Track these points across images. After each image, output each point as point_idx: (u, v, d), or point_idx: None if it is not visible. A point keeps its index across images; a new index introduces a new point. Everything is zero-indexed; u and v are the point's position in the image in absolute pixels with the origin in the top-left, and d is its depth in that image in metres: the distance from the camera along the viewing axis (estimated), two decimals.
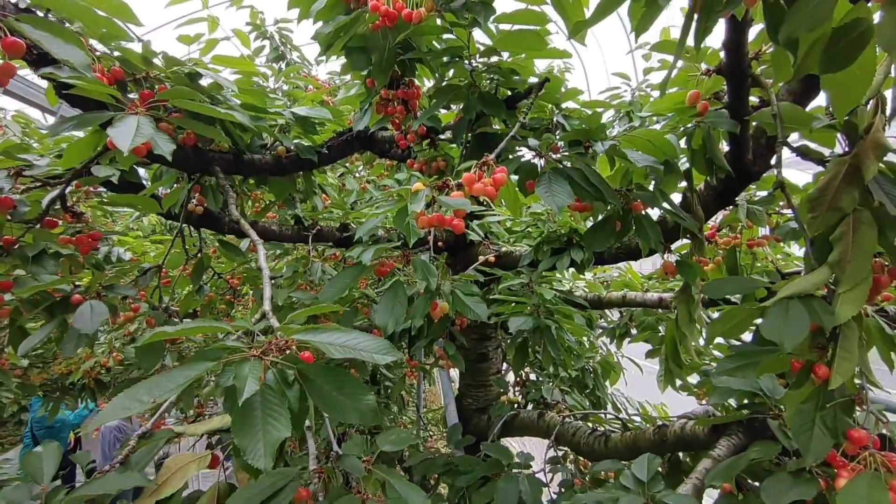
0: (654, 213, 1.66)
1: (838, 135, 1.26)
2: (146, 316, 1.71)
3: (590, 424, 2.36)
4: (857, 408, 1.17)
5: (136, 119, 1.05)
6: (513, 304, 2.04)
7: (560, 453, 2.22)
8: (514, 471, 2.07)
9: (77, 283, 1.66)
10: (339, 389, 0.80)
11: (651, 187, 1.52)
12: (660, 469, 1.71)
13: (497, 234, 2.86)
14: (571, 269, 3.31)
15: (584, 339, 3.65)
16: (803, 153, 1.23)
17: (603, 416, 2.41)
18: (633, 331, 4.17)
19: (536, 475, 2.07)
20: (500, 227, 3.00)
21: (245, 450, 0.69)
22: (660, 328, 3.21)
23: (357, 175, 3.27)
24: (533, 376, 3.37)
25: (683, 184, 1.68)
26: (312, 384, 0.79)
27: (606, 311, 4.86)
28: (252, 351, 0.79)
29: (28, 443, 5.09)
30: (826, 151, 1.31)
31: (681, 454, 2.15)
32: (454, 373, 3.45)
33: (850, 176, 1.12)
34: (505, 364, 3.20)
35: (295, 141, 1.78)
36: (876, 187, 1.09)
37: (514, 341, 2.23)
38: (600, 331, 4.29)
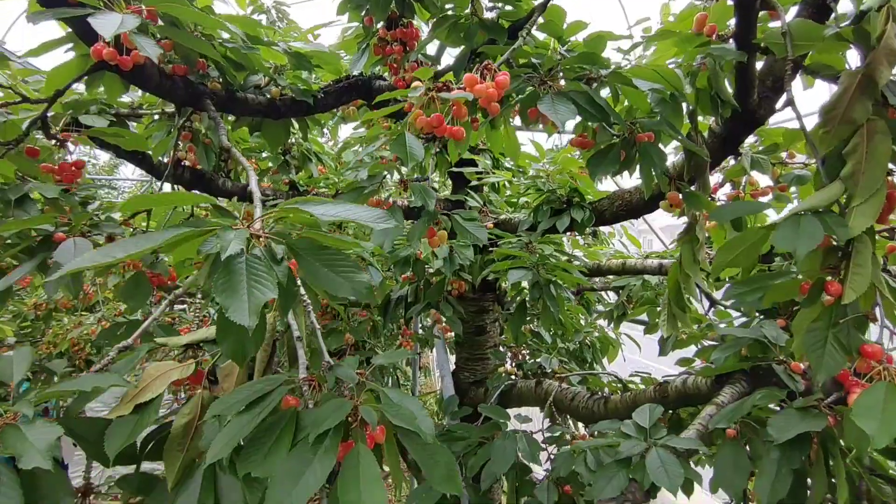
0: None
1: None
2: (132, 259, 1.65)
3: (588, 389, 2.31)
4: (871, 324, 1.12)
5: (121, 15, 1.00)
6: (511, 260, 1.99)
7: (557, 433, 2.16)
8: (511, 430, 2.01)
9: (61, 223, 1.60)
10: (331, 267, 0.75)
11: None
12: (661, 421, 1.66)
13: (496, 203, 2.82)
14: (571, 239, 3.27)
15: (581, 316, 3.61)
16: (814, 70, 1.19)
17: (602, 378, 2.36)
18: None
19: (534, 435, 2.02)
20: (498, 197, 2.96)
21: (228, 308, 0.64)
22: (659, 302, 3.16)
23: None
24: (530, 356, 3.33)
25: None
26: (304, 261, 0.74)
27: (604, 294, 4.83)
28: (238, 224, 0.74)
29: None
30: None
31: (682, 414, 2.10)
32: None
33: (863, 86, 1.08)
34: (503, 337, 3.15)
35: (290, 84, 1.73)
36: (890, 92, 1.05)
37: (513, 300, 2.19)
38: (597, 313, 4.26)
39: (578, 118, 1.23)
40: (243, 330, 0.80)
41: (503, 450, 1.89)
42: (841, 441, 1.31)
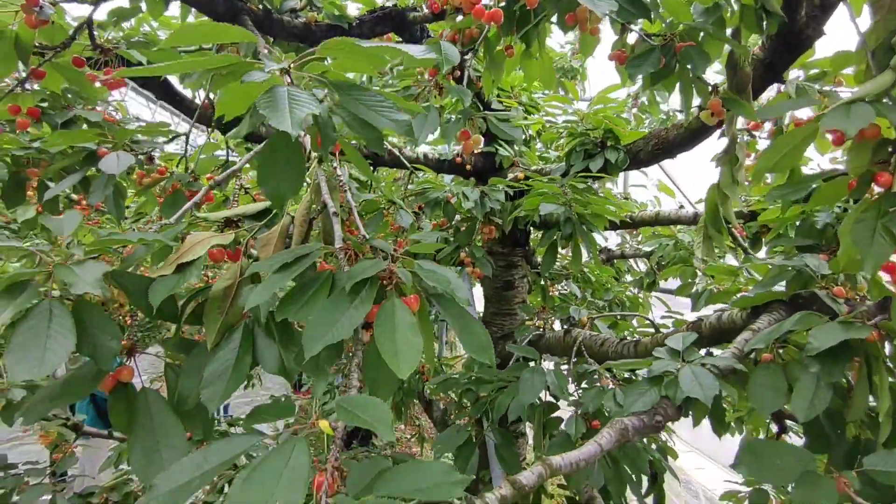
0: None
1: None
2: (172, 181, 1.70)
3: (617, 335, 2.28)
4: None
5: None
6: (544, 195, 1.96)
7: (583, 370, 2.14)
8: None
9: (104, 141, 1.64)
10: (370, 107, 0.75)
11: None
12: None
13: (527, 153, 2.79)
14: (603, 190, 3.22)
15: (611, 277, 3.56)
16: None
17: (633, 323, 2.32)
18: (662, 283, 4.08)
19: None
20: (529, 150, 2.92)
21: (271, 119, 0.65)
22: (693, 262, 3.09)
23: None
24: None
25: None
26: (345, 96, 0.75)
27: (633, 263, 4.76)
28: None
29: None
30: None
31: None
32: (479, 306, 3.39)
33: None
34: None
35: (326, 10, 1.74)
36: None
37: (544, 240, 2.17)
38: (626, 283, 4.21)
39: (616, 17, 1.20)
40: (283, 173, 0.81)
41: (531, 382, 1.89)
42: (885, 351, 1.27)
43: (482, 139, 1.29)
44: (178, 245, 0.94)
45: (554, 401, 2.14)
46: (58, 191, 1.55)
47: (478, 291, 3.79)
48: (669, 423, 2.56)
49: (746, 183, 1.55)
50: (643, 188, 4.09)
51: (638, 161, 2.17)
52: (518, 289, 3.10)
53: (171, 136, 1.75)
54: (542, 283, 3.40)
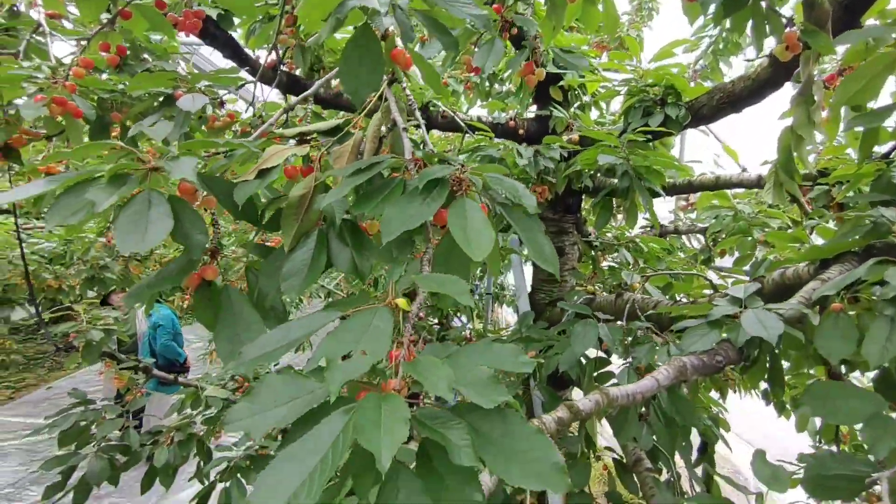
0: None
1: None
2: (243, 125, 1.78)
3: (671, 297, 2.24)
4: None
5: None
6: (601, 148, 1.94)
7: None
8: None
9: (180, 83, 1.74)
10: (450, 1, 0.77)
11: None
12: None
13: (582, 118, 2.75)
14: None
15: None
16: None
17: (694, 279, 2.25)
18: (718, 260, 3.95)
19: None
20: (583, 114, 2.88)
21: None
22: (754, 232, 2.98)
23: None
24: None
25: None
26: None
27: (685, 241, 4.63)
28: None
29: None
30: None
31: None
32: (528, 274, 3.39)
33: None
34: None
35: None
36: None
37: (598, 196, 2.14)
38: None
39: None
40: (363, 69, 0.85)
41: (584, 334, 1.89)
42: None
43: (544, 71, 1.28)
44: (260, 154, 0.99)
45: (605, 356, 2.13)
46: (140, 129, 1.65)
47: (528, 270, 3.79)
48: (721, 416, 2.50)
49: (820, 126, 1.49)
50: (699, 164, 3.97)
51: (700, 117, 2.11)
52: (568, 255, 3.08)
53: (240, 84, 1.83)
54: (593, 253, 3.37)
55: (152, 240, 0.80)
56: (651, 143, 2.27)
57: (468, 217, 0.83)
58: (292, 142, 1.10)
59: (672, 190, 2.56)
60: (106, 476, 2.38)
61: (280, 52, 2.43)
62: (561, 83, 2.56)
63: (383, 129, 1.12)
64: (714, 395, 2.59)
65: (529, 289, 3.18)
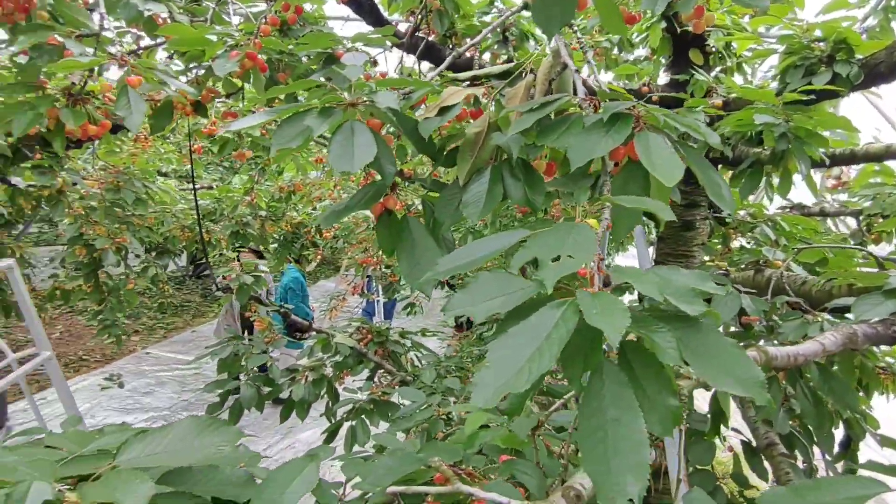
0: None
1: None
2: None
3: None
4: None
5: None
6: (755, 109, 1.82)
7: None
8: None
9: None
10: None
11: None
12: None
13: (726, 80, 2.58)
14: None
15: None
16: None
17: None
18: (872, 247, 3.55)
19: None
20: (727, 77, 2.70)
21: None
22: None
23: None
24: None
25: None
26: None
27: (832, 226, 4.21)
28: None
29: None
30: None
31: None
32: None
33: None
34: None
35: None
36: None
37: (743, 165, 2.02)
38: None
39: None
40: (554, 9, 0.88)
41: (725, 302, 1.81)
42: None
43: (714, 17, 1.23)
44: (440, 92, 1.07)
45: (744, 330, 2.02)
46: (300, 87, 1.81)
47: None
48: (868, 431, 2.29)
49: None
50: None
51: (876, 75, 1.91)
52: (698, 230, 2.94)
53: (389, 46, 1.95)
54: (723, 230, 3.19)
55: (360, 162, 0.90)
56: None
57: (653, 147, 0.84)
58: (466, 83, 1.16)
59: (832, 160, 2.33)
60: (254, 402, 2.69)
61: (417, 18, 2.54)
62: (706, 43, 2.41)
63: (555, 69, 1.15)
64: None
65: (652, 264, 3.09)
